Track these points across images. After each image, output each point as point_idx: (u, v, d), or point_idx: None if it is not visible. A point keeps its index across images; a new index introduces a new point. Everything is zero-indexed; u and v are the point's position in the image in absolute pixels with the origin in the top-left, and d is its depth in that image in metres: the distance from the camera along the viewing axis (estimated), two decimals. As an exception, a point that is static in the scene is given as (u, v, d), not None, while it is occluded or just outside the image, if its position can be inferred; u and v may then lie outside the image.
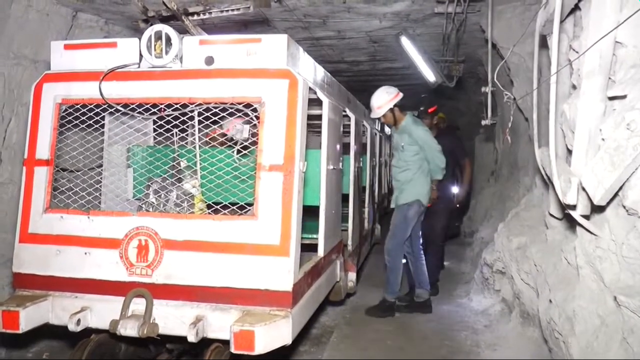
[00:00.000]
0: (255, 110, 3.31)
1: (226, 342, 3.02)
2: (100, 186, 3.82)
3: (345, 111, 5.08)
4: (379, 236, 8.38)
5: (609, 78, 2.97)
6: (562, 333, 3.20)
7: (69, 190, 3.55)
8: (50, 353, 4.60)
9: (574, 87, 3.45)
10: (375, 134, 8.11)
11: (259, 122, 3.24)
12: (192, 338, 3.01)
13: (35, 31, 5.01)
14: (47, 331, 3.50)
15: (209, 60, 3.40)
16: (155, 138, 4.49)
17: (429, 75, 7.59)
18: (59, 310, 3.35)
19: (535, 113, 4.11)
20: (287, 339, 3.10)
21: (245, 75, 3.30)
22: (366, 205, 6.83)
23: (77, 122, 3.56)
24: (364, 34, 7.11)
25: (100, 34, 5.97)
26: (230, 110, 3.38)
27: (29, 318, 3.22)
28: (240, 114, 3.39)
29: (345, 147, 5.06)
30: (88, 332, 3.38)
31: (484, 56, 7.03)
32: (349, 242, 5.47)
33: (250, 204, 3.41)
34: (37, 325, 3.30)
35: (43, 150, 3.50)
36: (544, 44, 4.06)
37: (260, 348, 2.93)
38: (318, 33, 7.03)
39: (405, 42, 6.64)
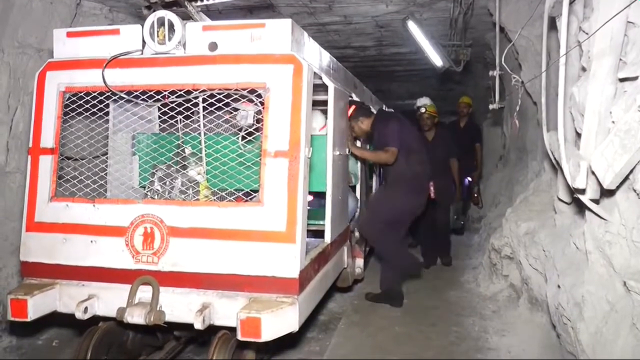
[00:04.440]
0: (259, 96, 3.28)
1: (233, 329, 3.02)
2: (106, 174, 3.81)
3: (351, 97, 5.03)
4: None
5: (620, 59, 2.91)
6: (570, 319, 3.18)
7: (74, 179, 3.55)
8: (60, 341, 4.64)
9: (584, 69, 3.38)
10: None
11: (263, 108, 3.22)
12: (198, 325, 3.02)
13: (39, 20, 4.98)
14: (57, 319, 3.52)
15: (213, 46, 3.36)
16: (160, 125, 4.47)
17: (436, 60, 7.51)
18: (66, 298, 3.36)
19: (543, 96, 4.05)
20: (294, 326, 3.10)
21: (250, 61, 3.26)
22: (374, 191, 6.79)
23: (81, 110, 3.54)
24: (370, 19, 7.02)
25: (105, 22, 5.94)
26: (235, 96, 3.35)
27: (36, 306, 3.23)
28: (244, 100, 3.36)
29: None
30: (95, 319, 3.40)
31: (491, 40, 6.94)
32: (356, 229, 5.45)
33: (256, 191, 3.39)
34: (44, 313, 3.32)
35: (47, 138, 3.49)
36: (552, 26, 3.99)
37: (267, 335, 2.93)
38: (324, 18, 6.96)
39: (412, 26, 6.55)
